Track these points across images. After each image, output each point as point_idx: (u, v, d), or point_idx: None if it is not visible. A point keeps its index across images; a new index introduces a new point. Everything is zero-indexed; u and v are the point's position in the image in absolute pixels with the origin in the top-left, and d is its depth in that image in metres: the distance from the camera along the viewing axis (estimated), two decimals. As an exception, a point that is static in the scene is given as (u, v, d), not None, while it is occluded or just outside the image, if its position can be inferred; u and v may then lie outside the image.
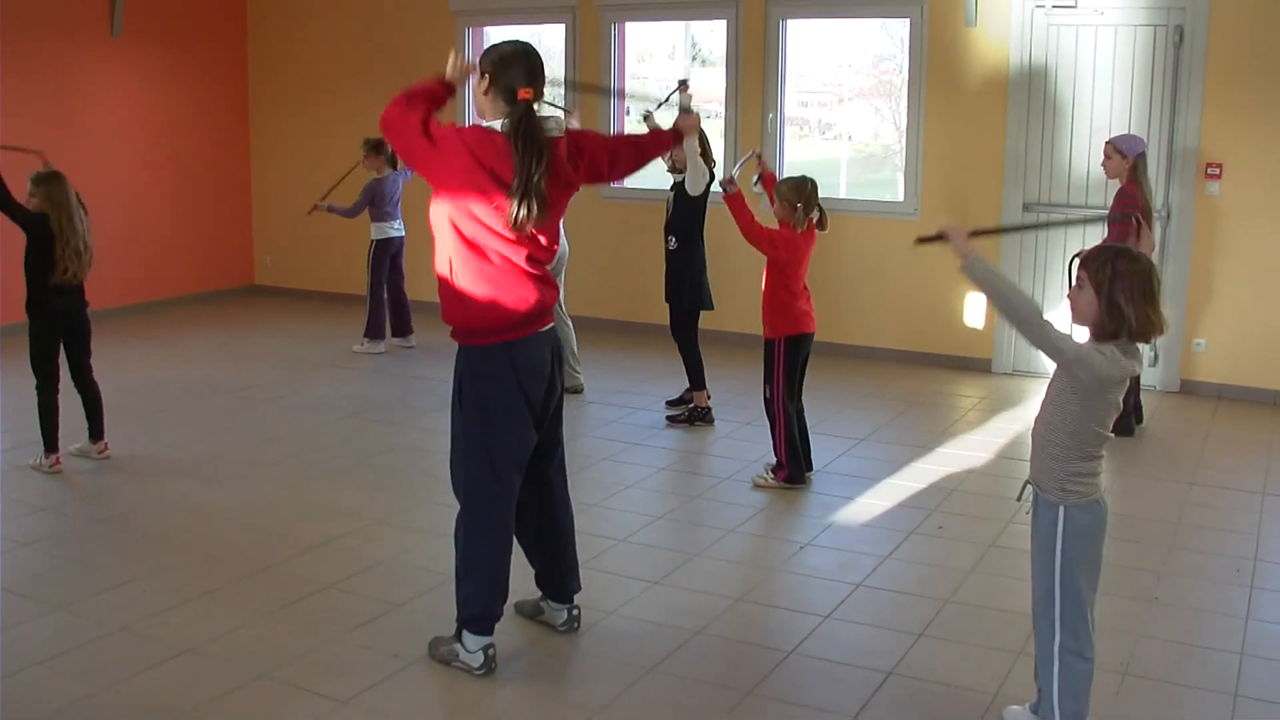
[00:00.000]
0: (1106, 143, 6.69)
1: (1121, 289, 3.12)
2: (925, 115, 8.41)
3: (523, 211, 3.64)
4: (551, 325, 3.94)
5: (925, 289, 8.49)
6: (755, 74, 8.91)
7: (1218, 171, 7.56)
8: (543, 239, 3.81)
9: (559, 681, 3.97)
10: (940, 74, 8.32)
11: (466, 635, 3.93)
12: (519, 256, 3.75)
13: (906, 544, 5.17)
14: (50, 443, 6.00)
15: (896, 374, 8.30)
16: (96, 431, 6.20)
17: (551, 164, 3.73)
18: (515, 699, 3.82)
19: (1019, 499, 3.47)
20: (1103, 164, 6.71)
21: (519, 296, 3.76)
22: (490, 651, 3.92)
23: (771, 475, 5.88)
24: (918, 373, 8.34)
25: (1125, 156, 6.54)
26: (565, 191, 3.87)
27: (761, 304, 5.85)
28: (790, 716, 3.72)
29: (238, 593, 4.58)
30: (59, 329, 6.00)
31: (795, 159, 9.22)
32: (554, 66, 9.70)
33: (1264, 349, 7.61)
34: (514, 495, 3.93)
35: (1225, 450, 6.63)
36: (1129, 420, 6.69)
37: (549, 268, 3.89)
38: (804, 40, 9.18)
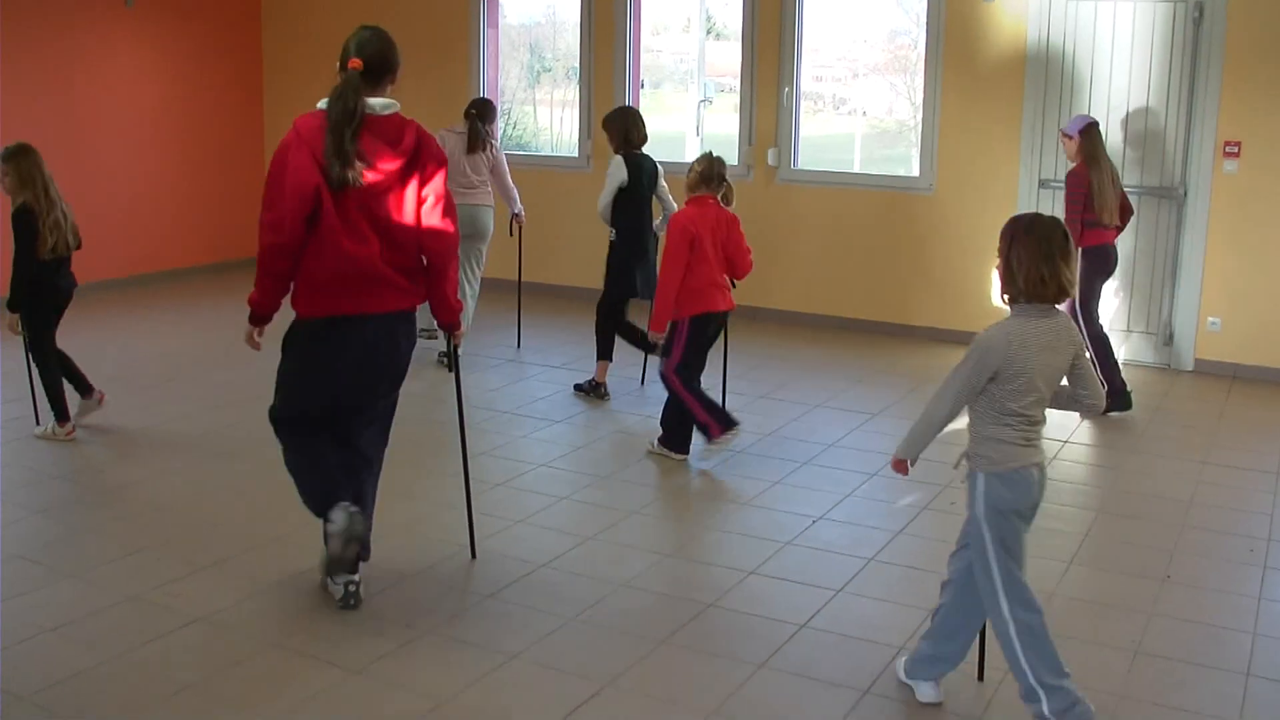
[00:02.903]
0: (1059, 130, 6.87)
1: (1016, 253, 3.28)
2: (941, 91, 8.34)
3: (335, 168, 3.80)
4: (388, 313, 4.05)
5: (940, 265, 8.45)
6: (771, 48, 8.85)
7: (1236, 150, 7.49)
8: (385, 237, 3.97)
9: (569, 653, 3.96)
10: (957, 49, 8.26)
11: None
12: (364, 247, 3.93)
13: (919, 519, 5.16)
14: (61, 412, 6.00)
15: (909, 349, 8.27)
16: (84, 387, 6.14)
17: (374, 133, 3.87)
18: (524, 670, 3.82)
19: (955, 466, 3.48)
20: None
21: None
22: (351, 588, 4.16)
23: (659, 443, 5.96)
24: (930, 348, 8.31)
25: (1070, 136, 6.69)
26: (391, 167, 3.90)
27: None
28: (802, 690, 3.72)
29: (248, 562, 4.60)
30: (56, 306, 5.95)
31: (810, 134, 9.17)
32: (569, 39, 9.67)
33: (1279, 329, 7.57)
34: (314, 421, 4.17)
35: (1239, 430, 6.60)
36: (1125, 395, 6.69)
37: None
38: (819, 14, 9.12)
